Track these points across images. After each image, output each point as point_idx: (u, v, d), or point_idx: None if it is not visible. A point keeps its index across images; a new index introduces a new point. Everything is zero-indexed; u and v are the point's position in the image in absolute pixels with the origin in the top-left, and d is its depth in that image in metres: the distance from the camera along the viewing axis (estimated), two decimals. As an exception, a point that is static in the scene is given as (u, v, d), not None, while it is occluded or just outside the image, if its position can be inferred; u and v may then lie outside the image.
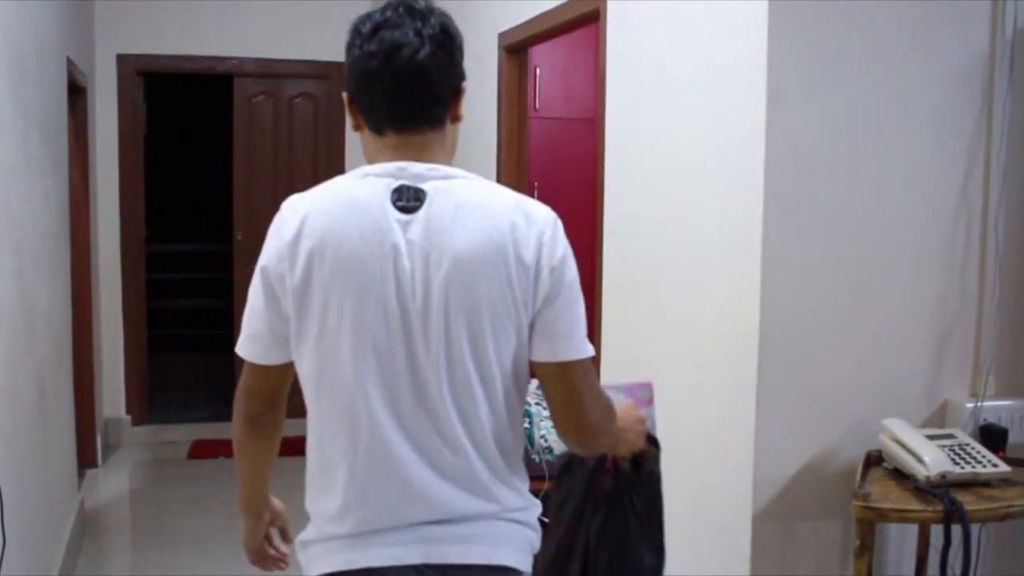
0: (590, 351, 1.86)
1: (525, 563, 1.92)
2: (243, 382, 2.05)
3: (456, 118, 1.90)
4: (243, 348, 1.96)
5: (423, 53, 1.79)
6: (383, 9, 1.83)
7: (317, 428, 1.93)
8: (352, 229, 1.78)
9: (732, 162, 2.61)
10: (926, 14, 2.57)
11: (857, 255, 2.58)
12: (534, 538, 1.95)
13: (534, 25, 3.96)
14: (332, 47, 7.39)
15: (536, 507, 1.97)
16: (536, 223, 1.80)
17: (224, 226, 7.79)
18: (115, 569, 5.28)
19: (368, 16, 1.84)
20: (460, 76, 1.87)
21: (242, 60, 7.39)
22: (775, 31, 2.45)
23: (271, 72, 7.48)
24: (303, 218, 1.83)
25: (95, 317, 6.70)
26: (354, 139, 6.64)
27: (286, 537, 2.35)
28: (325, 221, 1.81)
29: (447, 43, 1.83)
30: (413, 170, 1.81)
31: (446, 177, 1.82)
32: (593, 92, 3.60)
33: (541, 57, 5.67)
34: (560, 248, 1.81)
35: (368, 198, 1.80)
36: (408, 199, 1.79)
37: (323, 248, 1.78)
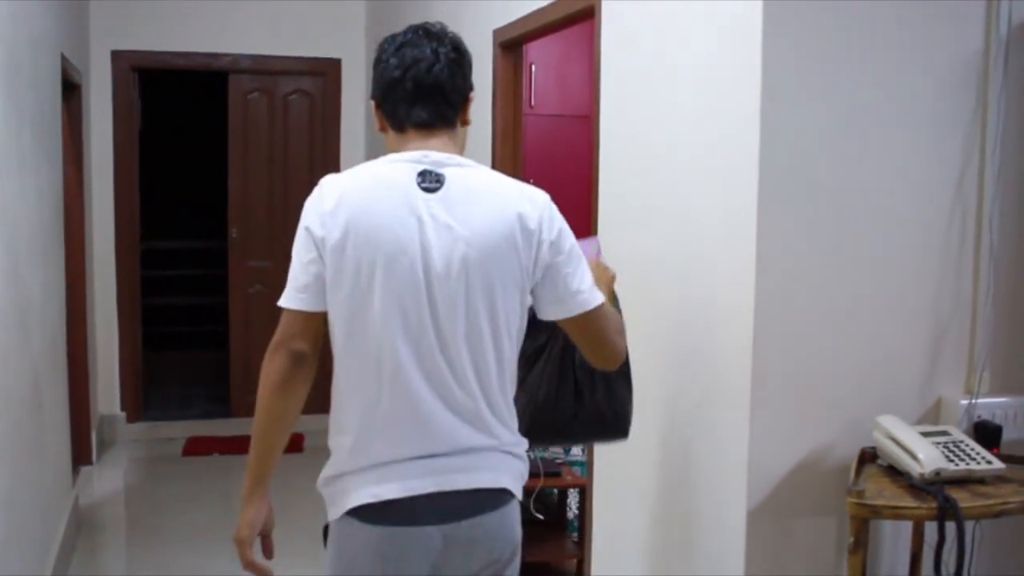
0: (600, 298, 2.24)
1: (518, 489, 2.27)
2: (286, 332, 2.38)
3: (465, 122, 2.31)
4: (292, 299, 2.33)
5: (438, 67, 2.21)
6: (406, 32, 2.26)
7: (344, 370, 2.33)
8: (383, 203, 2.14)
9: (727, 159, 2.61)
10: (921, 12, 2.57)
11: (851, 252, 2.58)
12: (524, 469, 2.29)
13: (529, 21, 3.95)
14: (327, 44, 7.46)
15: (524, 443, 2.30)
16: (537, 205, 2.19)
17: (219, 223, 7.79)
18: (110, 566, 5.28)
19: (393, 37, 2.28)
20: (469, 87, 2.30)
21: (237, 57, 7.38)
22: (769, 29, 2.45)
23: (266, 69, 7.48)
24: (341, 192, 2.17)
25: (90, 314, 6.69)
26: (349, 135, 6.65)
27: (268, 552, 2.64)
28: (360, 196, 2.16)
29: (458, 59, 2.26)
30: (433, 157, 2.19)
31: (460, 165, 2.20)
32: (588, 89, 3.59)
33: (536, 54, 5.67)
34: (556, 223, 2.20)
35: (396, 178, 2.17)
36: (431, 181, 2.16)
37: (358, 217, 2.12)
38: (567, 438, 2.95)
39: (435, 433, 2.18)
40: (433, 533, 2.17)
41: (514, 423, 2.28)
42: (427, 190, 2.15)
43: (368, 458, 2.23)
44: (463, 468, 2.19)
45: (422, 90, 2.22)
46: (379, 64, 2.28)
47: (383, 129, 2.36)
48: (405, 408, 2.17)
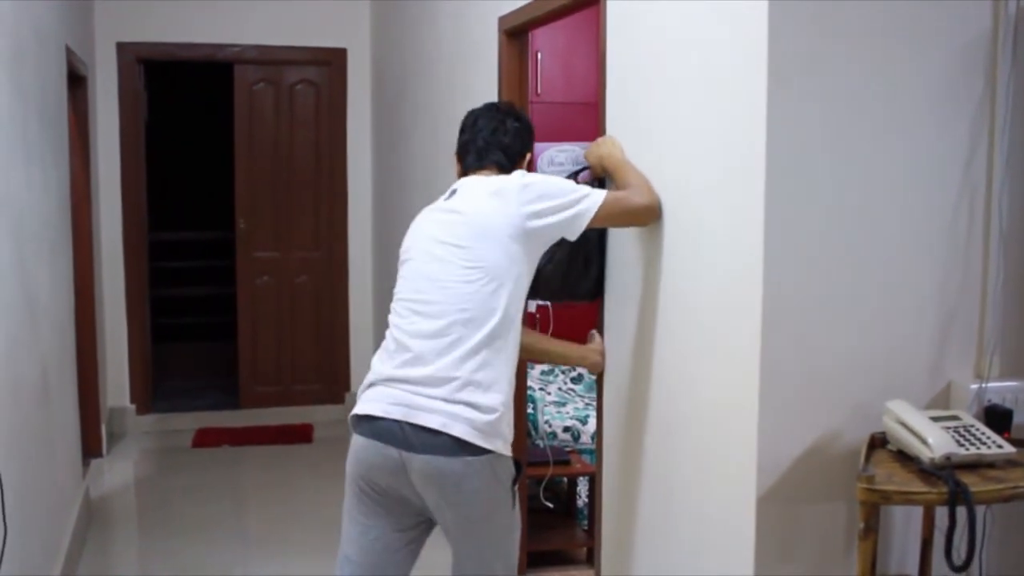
0: (596, 198, 2.93)
1: (486, 442, 2.76)
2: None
3: (519, 167, 3.13)
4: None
5: (500, 131, 3.13)
6: (481, 107, 3.23)
7: (395, 313, 3.03)
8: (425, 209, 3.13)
9: (733, 143, 2.59)
10: (928, -7, 2.56)
11: (860, 236, 2.56)
12: (487, 422, 2.77)
13: (534, 8, 3.94)
14: (333, 33, 7.45)
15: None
16: (512, 178, 2.96)
17: (226, 214, 7.79)
18: (121, 558, 5.30)
19: (472, 111, 3.22)
20: (526, 148, 3.19)
21: (243, 47, 7.38)
22: (776, 13, 2.43)
23: (272, 59, 7.47)
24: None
25: (98, 306, 6.71)
26: (355, 125, 6.66)
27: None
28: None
29: (516, 127, 3.17)
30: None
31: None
32: (594, 76, 3.58)
33: (542, 41, 5.66)
34: (517, 181, 2.93)
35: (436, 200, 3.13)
36: (453, 192, 3.06)
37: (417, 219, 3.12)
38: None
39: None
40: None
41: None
42: (448, 198, 3.06)
43: (374, 376, 3.00)
44: (424, 409, 2.79)
45: (487, 147, 3.11)
46: (462, 128, 3.19)
47: (463, 174, 3.16)
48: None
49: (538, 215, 2.87)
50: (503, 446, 2.80)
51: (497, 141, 3.10)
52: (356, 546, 3.02)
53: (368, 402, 2.87)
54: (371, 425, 2.83)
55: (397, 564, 3.00)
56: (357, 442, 2.90)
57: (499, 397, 2.79)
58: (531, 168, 3.35)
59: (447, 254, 2.89)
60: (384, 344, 3.00)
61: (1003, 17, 2.60)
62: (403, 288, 3.01)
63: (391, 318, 3.03)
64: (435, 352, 2.81)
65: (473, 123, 3.15)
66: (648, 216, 2.97)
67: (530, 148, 3.19)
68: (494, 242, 2.84)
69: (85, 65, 6.20)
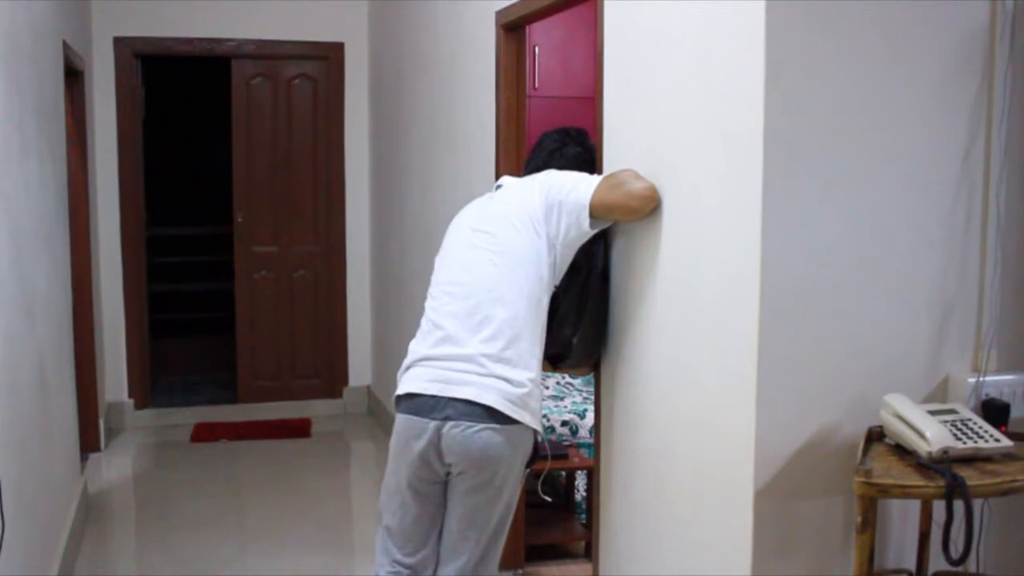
0: (596, 178, 3.09)
1: (514, 412, 2.96)
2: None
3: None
4: None
5: (556, 156, 3.35)
6: (555, 129, 3.45)
7: (430, 297, 3.18)
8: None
9: (731, 136, 2.59)
10: (926, -14, 2.55)
11: (857, 229, 2.56)
12: (518, 395, 2.98)
13: (531, 3, 3.93)
14: (330, 27, 7.45)
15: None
16: (542, 173, 3.23)
17: (224, 209, 7.78)
18: (119, 552, 5.30)
19: (546, 131, 3.46)
20: (590, 161, 3.35)
21: (240, 41, 7.37)
22: (773, 4, 2.43)
23: (269, 53, 7.46)
24: None
25: (96, 301, 6.70)
26: (353, 119, 6.65)
27: None
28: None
29: (576, 153, 3.37)
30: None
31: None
32: (591, 70, 3.58)
33: (540, 35, 5.65)
34: (544, 174, 3.20)
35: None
36: (498, 187, 3.34)
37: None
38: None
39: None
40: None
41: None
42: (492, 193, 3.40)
43: (413, 356, 3.17)
44: (461, 383, 2.98)
45: (541, 167, 3.29)
46: (532, 146, 3.49)
47: None
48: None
49: (551, 198, 3.07)
50: (531, 419, 3.00)
51: (552, 163, 3.30)
52: (396, 519, 3.16)
53: (407, 382, 3.07)
54: (410, 402, 3.03)
55: (427, 532, 3.15)
56: (399, 420, 3.07)
57: (528, 374, 3.00)
58: None
59: (478, 240, 3.14)
60: (420, 327, 3.17)
61: (1000, 10, 2.59)
62: (439, 273, 3.22)
63: (427, 303, 3.20)
64: (467, 330, 3.02)
65: (539, 143, 3.41)
66: (645, 202, 2.95)
67: (592, 160, 3.35)
68: (518, 228, 3.08)
69: (82, 60, 6.19)
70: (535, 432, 3.08)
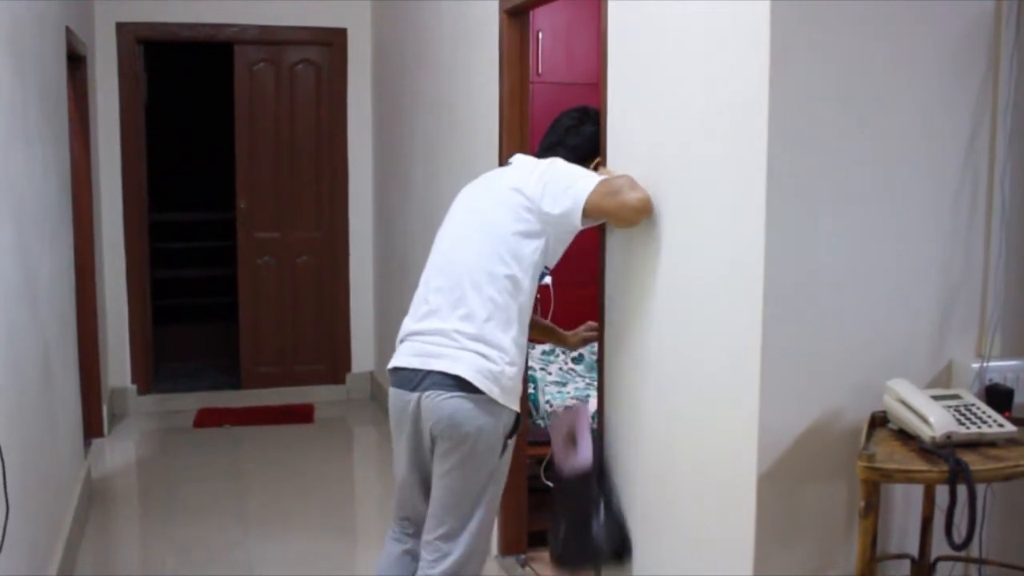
0: (595, 179, 3.08)
1: (483, 384, 3.05)
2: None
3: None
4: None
5: (571, 133, 3.39)
6: (573, 108, 3.47)
7: (424, 272, 3.29)
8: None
9: (735, 121, 2.59)
10: (931, -30, 2.54)
11: (862, 216, 2.56)
12: (490, 370, 3.07)
13: (535, -12, 3.92)
14: (333, 13, 7.43)
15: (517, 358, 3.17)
16: (547, 159, 3.27)
17: (227, 195, 7.78)
18: (122, 537, 5.31)
19: (565, 110, 3.48)
20: (597, 153, 3.34)
21: (243, 27, 7.35)
22: (778, -10, 2.43)
23: (272, 39, 7.45)
24: None
25: (99, 287, 6.71)
26: (356, 104, 6.60)
27: None
28: None
29: (592, 131, 3.38)
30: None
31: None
32: (595, 56, 3.57)
33: (543, 20, 5.64)
34: (540, 170, 3.19)
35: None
36: (507, 163, 3.40)
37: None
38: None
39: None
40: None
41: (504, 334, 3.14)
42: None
43: (404, 332, 3.31)
44: (436, 356, 3.12)
45: (556, 144, 3.38)
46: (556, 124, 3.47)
47: None
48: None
49: (548, 189, 3.10)
50: (500, 394, 3.08)
51: (567, 140, 3.36)
52: (397, 486, 3.37)
53: (396, 356, 3.23)
54: (397, 376, 3.21)
55: (422, 501, 3.31)
56: (389, 393, 3.27)
57: (503, 356, 3.09)
58: None
59: (469, 219, 3.25)
60: (413, 301, 3.30)
61: (1006, -2, 2.59)
62: (433, 251, 3.33)
63: (421, 279, 3.31)
64: (448, 306, 3.13)
65: (557, 120, 3.45)
66: (638, 214, 3.01)
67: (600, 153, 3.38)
68: (508, 211, 3.14)
69: (85, 46, 6.18)
70: (516, 413, 3.17)
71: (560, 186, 3.10)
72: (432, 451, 3.18)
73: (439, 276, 3.22)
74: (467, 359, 3.06)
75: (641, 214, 2.99)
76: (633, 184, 3.01)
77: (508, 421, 3.14)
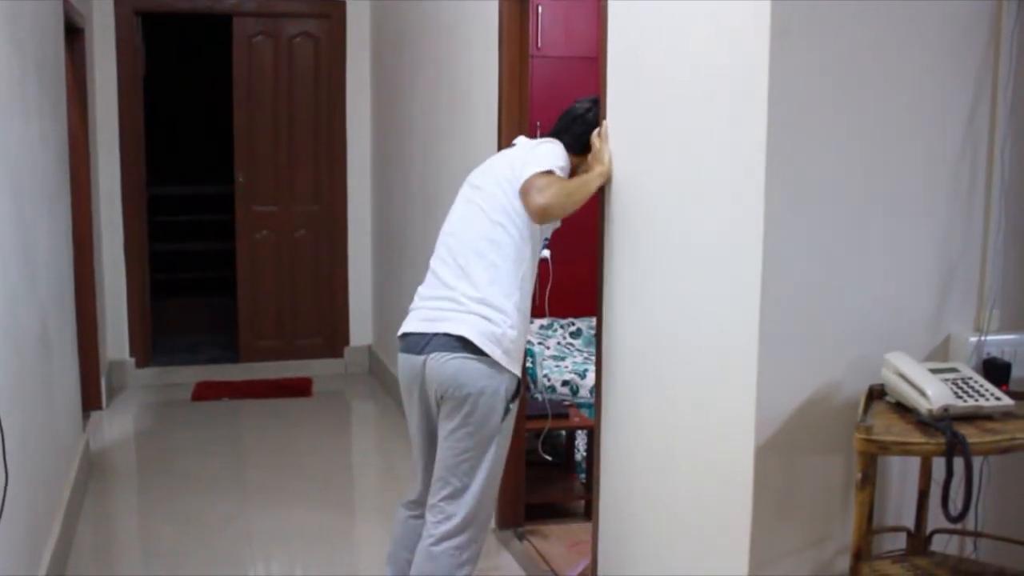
0: (528, 172, 3.24)
1: (485, 345, 3.18)
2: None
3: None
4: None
5: (578, 120, 3.49)
6: (587, 97, 3.55)
7: (436, 246, 3.44)
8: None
9: (736, 94, 2.58)
10: (933, -56, 2.53)
11: (861, 188, 2.56)
12: (492, 332, 3.20)
13: (535, -40, 3.91)
14: (331, -15, 7.37)
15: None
16: (544, 139, 3.46)
17: (225, 168, 7.76)
18: (120, 509, 5.33)
19: (581, 99, 3.57)
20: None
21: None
22: (779, -38, 2.42)
23: (271, 11, 7.42)
24: None
25: (97, 260, 6.71)
26: (354, 77, 6.59)
27: None
28: None
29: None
30: None
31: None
32: (595, 30, 3.56)
33: (543, -6, 5.63)
34: (527, 148, 3.41)
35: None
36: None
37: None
38: None
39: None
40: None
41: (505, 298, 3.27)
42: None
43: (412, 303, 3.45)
44: (441, 319, 3.25)
45: (562, 129, 3.53)
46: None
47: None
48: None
49: (524, 166, 3.28)
50: (502, 356, 3.20)
51: (572, 127, 3.49)
52: (413, 449, 3.48)
53: (406, 323, 3.37)
54: (405, 341, 3.34)
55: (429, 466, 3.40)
56: (399, 359, 3.38)
57: (505, 319, 3.22)
58: None
59: (472, 195, 3.40)
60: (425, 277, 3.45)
61: (1008, -31, 2.58)
62: (443, 229, 3.46)
63: (432, 255, 3.46)
64: (453, 274, 3.29)
65: (571, 106, 3.57)
66: (539, 215, 3.19)
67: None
68: (503, 186, 3.30)
69: (82, 17, 6.15)
70: (518, 378, 3.27)
71: (527, 166, 3.26)
72: (438, 415, 3.27)
73: (445, 250, 3.36)
74: (470, 321, 3.19)
75: (537, 215, 3.19)
76: (544, 188, 3.18)
77: (510, 385, 3.24)
